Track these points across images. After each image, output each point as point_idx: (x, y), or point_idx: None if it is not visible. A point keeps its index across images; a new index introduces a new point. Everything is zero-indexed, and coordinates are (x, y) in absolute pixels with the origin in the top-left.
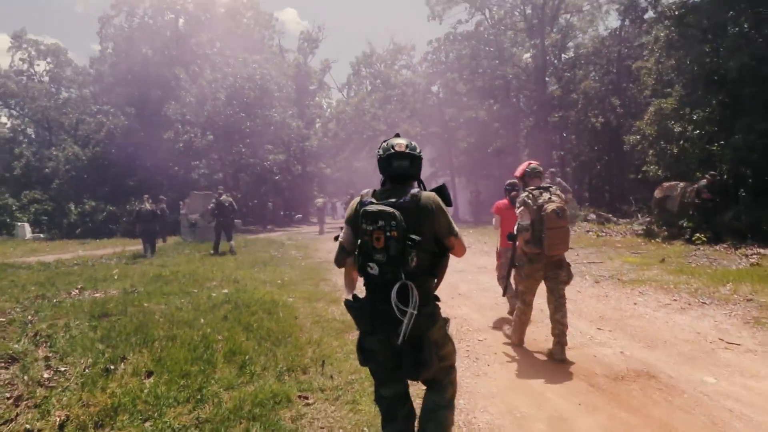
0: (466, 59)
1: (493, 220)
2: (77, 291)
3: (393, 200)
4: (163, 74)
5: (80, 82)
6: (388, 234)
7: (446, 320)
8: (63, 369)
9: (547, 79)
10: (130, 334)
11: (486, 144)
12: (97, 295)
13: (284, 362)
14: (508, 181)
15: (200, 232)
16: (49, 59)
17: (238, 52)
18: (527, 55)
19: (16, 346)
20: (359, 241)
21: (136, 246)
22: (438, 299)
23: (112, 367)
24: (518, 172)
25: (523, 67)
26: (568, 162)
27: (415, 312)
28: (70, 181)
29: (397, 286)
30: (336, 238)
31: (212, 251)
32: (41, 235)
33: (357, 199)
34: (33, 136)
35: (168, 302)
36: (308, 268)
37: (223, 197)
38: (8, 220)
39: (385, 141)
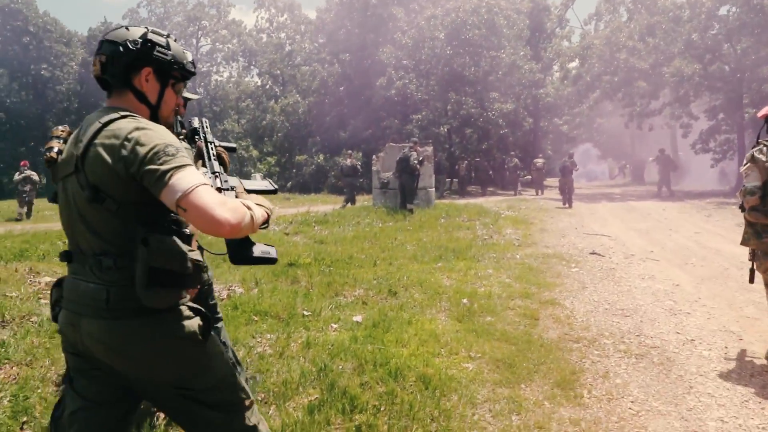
0: None
1: None
2: None
3: None
4: (379, 15)
5: (311, 32)
6: None
7: None
8: None
9: None
10: None
11: None
12: None
13: None
14: None
15: (393, 195)
16: (285, 15)
17: None
18: None
19: None
20: None
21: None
22: None
23: None
24: (762, 112)
25: None
26: None
27: None
28: (288, 133)
29: None
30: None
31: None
32: None
33: None
34: (276, 90)
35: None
36: (526, 266)
37: (407, 151)
38: (252, 171)
39: None
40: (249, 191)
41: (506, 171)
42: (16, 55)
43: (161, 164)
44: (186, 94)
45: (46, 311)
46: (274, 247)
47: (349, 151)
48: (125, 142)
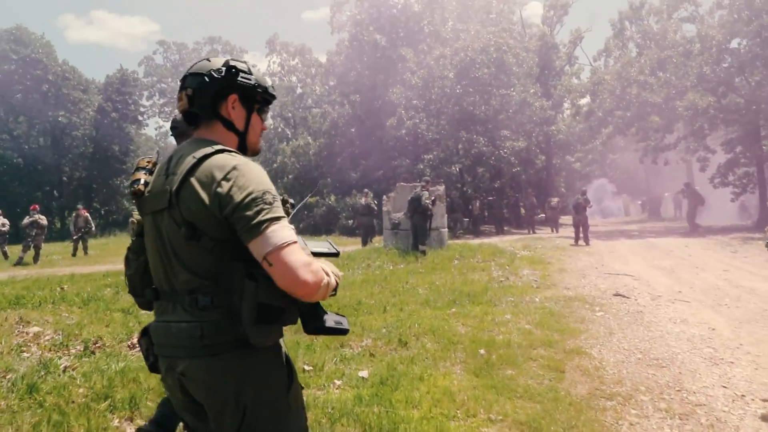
0: None
1: None
2: None
3: None
4: (389, 56)
5: (321, 74)
6: None
7: None
8: None
9: None
10: None
11: None
12: None
13: None
14: None
15: (405, 236)
16: (297, 60)
17: (471, 27)
18: None
19: None
20: None
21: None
22: None
23: None
24: None
25: None
26: None
27: None
28: (298, 175)
29: None
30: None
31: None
32: None
33: None
34: (287, 132)
35: None
36: (546, 311)
37: (418, 191)
38: None
39: None
40: (313, 254)
41: (522, 209)
42: (36, 103)
43: (257, 213)
44: None
45: (25, 367)
46: (346, 318)
47: (365, 190)
48: (222, 182)
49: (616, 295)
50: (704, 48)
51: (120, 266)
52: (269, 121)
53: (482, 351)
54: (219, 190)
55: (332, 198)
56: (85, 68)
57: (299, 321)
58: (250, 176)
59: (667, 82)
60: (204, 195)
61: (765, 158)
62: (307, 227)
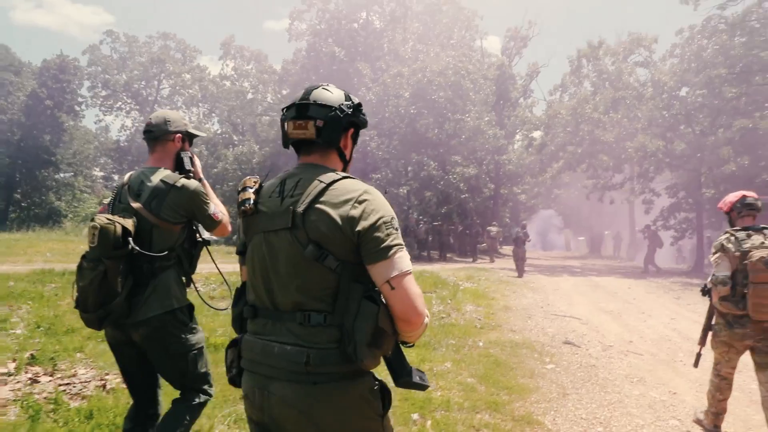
0: (739, 50)
1: None
2: None
3: None
4: (345, 70)
5: (275, 82)
6: None
7: None
8: None
9: None
10: None
11: (764, 170)
12: None
13: None
14: None
15: None
16: (251, 65)
17: (431, 49)
18: None
19: None
20: None
21: None
22: None
23: None
24: (724, 205)
25: None
26: None
27: None
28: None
29: None
30: None
31: None
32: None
33: None
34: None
35: None
36: (492, 360)
37: None
38: None
39: None
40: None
41: (468, 237)
42: None
43: (386, 237)
44: (194, 131)
45: None
46: (426, 374)
47: None
48: (356, 204)
49: (566, 342)
50: (656, 93)
51: (19, 268)
52: (216, 126)
53: (416, 416)
54: (353, 212)
55: None
56: (28, 53)
57: (390, 371)
58: (380, 201)
59: (619, 123)
60: (336, 217)
61: (704, 204)
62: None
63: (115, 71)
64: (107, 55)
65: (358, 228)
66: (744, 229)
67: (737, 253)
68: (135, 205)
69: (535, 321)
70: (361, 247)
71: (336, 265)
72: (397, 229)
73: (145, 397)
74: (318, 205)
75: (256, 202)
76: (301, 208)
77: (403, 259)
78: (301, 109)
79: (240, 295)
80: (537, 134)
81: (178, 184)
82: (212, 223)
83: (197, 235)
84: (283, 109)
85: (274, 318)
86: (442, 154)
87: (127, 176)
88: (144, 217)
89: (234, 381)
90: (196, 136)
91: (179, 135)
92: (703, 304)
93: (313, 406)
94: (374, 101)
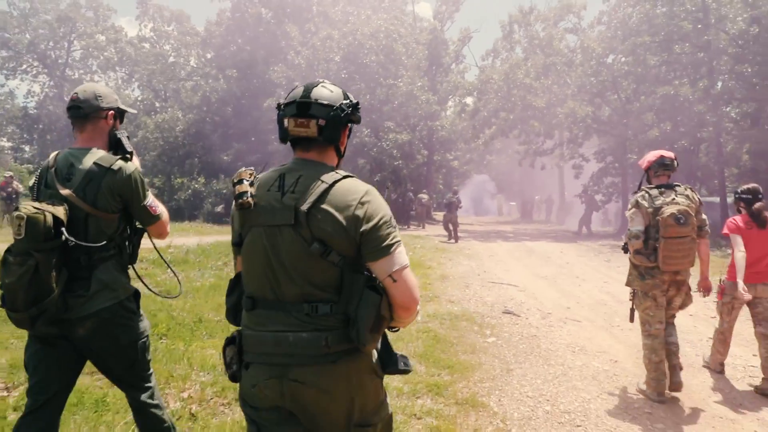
0: (662, 19)
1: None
2: None
3: None
4: (272, 32)
5: (198, 45)
6: None
7: None
8: None
9: None
10: None
11: (684, 135)
12: None
13: None
14: (744, 187)
15: None
16: (172, 26)
17: (362, 12)
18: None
19: None
20: None
21: (205, 236)
22: None
23: None
24: (643, 163)
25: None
26: None
27: None
28: (162, 152)
29: None
30: None
31: None
32: None
33: None
34: (156, 105)
35: None
36: (431, 335)
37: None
38: None
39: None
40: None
41: (402, 204)
42: None
43: (388, 234)
44: (125, 108)
45: None
46: (408, 358)
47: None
48: (359, 205)
49: (506, 312)
50: (585, 59)
51: None
52: (137, 92)
53: None
54: (357, 213)
55: (200, 181)
56: None
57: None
58: (380, 201)
59: (550, 89)
60: (341, 218)
61: (629, 169)
62: (170, 211)
63: (17, 30)
64: (5, 10)
65: (362, 229)
66: (658, 187)
67: (650, 209)
68: (64, 191)
69: (473, 290)
70: (363, 245)
71: (339, 260)
72: (395, 227)
73: (55, 403)
74: (323, 206)
75: (252, 195)
76: (305, 207)
77: (402, 254)
78: (303, 108)
79: (234, 286)
80: (469, 100)
81: (115, 167)
82: (149, 217)
83: (136, 222)
84: (279, 105)
85: (277, 309)
86: (375, 120)
87: (52, 157)
88: (76, 205)
89: (234, 377)
90: (126, 112)
91: (112, 112)
92: None
93: (331, 383)
94: (303, 65)
